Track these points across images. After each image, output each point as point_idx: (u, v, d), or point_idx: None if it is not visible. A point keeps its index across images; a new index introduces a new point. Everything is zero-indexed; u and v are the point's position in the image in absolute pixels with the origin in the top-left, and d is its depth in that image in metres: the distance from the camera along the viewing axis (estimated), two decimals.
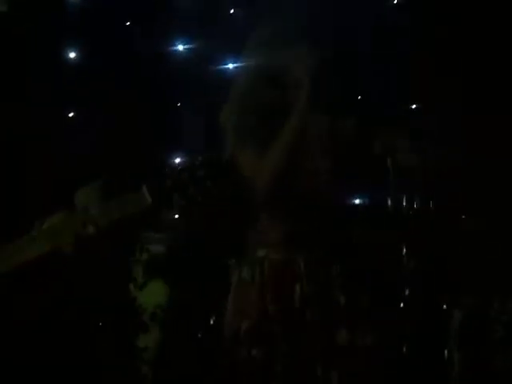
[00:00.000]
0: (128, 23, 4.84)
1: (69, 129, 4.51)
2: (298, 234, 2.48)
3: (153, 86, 4.66)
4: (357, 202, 5.12)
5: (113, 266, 4.16)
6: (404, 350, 4.47)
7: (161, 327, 4.05)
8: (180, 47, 4.88)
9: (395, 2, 4.86)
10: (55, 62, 4.62)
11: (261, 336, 2.39)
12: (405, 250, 4.77)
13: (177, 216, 4.26)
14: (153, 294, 4.11)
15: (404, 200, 5.00)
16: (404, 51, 4.76)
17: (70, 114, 4.67)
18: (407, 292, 4.62)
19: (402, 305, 4.62)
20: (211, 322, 3.83)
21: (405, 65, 4.72)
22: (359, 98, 4.67)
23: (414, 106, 5.04)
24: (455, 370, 4.14)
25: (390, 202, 5.05)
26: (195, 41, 4.84)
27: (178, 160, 4.42)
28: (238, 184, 2.46)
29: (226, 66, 4.75)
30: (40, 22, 4.41)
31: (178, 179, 2.02)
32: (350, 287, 2.58)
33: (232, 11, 4.77)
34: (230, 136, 2.54)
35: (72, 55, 4.71)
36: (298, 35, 2.62)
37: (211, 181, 2.00)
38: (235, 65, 4.74)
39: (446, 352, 4.23)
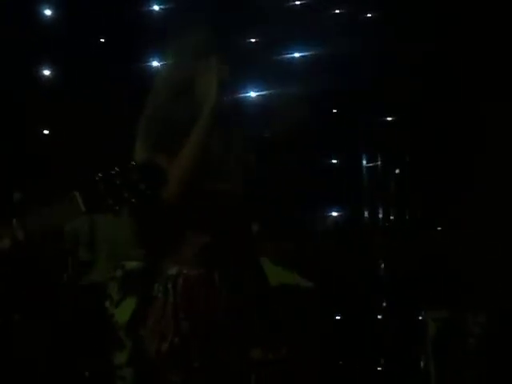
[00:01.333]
0: (102, 39, 4.85)
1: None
2: (212, 248, 2.43)
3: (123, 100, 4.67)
4: (333, 214, 5.14)
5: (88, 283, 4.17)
6: (381, 360, 4.50)
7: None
8: (155, 63, 4.89)
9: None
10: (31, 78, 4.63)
11: (179, 356, 2.35)
12: (382, 263, 4.83)
13: None
14: (129, 311, 4.09)
15: (380, 212, 5.06)
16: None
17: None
18: (383, 304, 4.66)
19: (378, 317, 4.66)
20: None
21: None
22: None
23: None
24: (431, 380, 4.16)
25: (365, 215, 5.11)
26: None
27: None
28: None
29: None
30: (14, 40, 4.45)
31: (112, 184, 2.02)
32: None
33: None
34: (140, 145, 2.51)
35: (46, 72, 4.72)
36: (210, 47, 2.59)
37: (145, 184, 2.00)
38: None
39: (421, 363, 4.26)
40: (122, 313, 4.11)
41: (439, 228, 4.61)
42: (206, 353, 2.36)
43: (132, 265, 4.15)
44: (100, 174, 2.01)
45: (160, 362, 2.34)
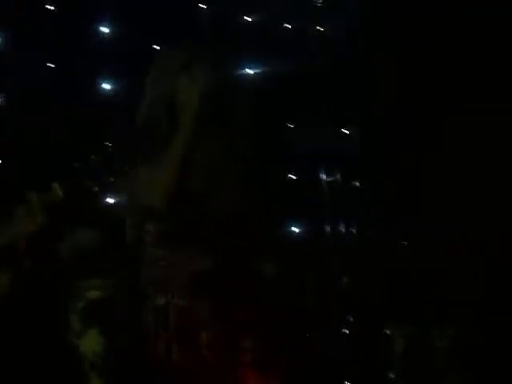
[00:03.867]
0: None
1: None
2: (204, 278, 2.38)
3: None
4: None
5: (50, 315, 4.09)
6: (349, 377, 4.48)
7: (100, 375, 3.97)
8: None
9: None
10: None
11: None
12: (345, 279, 4.80)
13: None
14: (92, 342, 4.03)
15: (342, 227, 5.04)
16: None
17: None
18: (349, 319, 4.64)
19: (344, 331, 4.63)
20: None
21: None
22: None
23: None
24: None
25: (327, 230, 5.08)
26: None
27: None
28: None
29: None
30: None
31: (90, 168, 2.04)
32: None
33: None
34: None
35: None
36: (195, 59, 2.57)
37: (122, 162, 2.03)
38: None
39: (390, 378, 4.25)
40: (86, 344, 4.05)
41: (402, 242, 4.60)
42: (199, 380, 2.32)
43: (94, 294, 4.09)
44: (77, 163, 2.04)
45: None
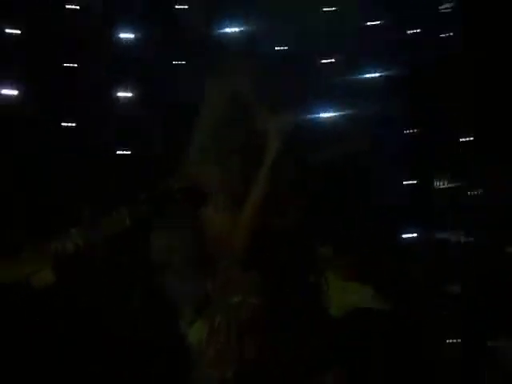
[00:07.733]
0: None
1: None
2: (273, 277, 2.40)
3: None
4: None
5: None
6: None
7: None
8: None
9: None
10: None
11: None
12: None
13: None
14: (199, 332, 4.11)
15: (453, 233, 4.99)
16: None
17: None
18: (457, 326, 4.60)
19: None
20: None
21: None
22: None
23: None
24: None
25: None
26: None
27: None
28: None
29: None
30: None
31: (156, 203, 2.12)
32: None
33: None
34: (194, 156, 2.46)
35: None
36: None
37: (188, 204, 2.10)
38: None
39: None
40: (194, 333, 4.13)
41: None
42: (271, 380, 2.33)
43: None
44: (143, 195, 2.11)
45: None
